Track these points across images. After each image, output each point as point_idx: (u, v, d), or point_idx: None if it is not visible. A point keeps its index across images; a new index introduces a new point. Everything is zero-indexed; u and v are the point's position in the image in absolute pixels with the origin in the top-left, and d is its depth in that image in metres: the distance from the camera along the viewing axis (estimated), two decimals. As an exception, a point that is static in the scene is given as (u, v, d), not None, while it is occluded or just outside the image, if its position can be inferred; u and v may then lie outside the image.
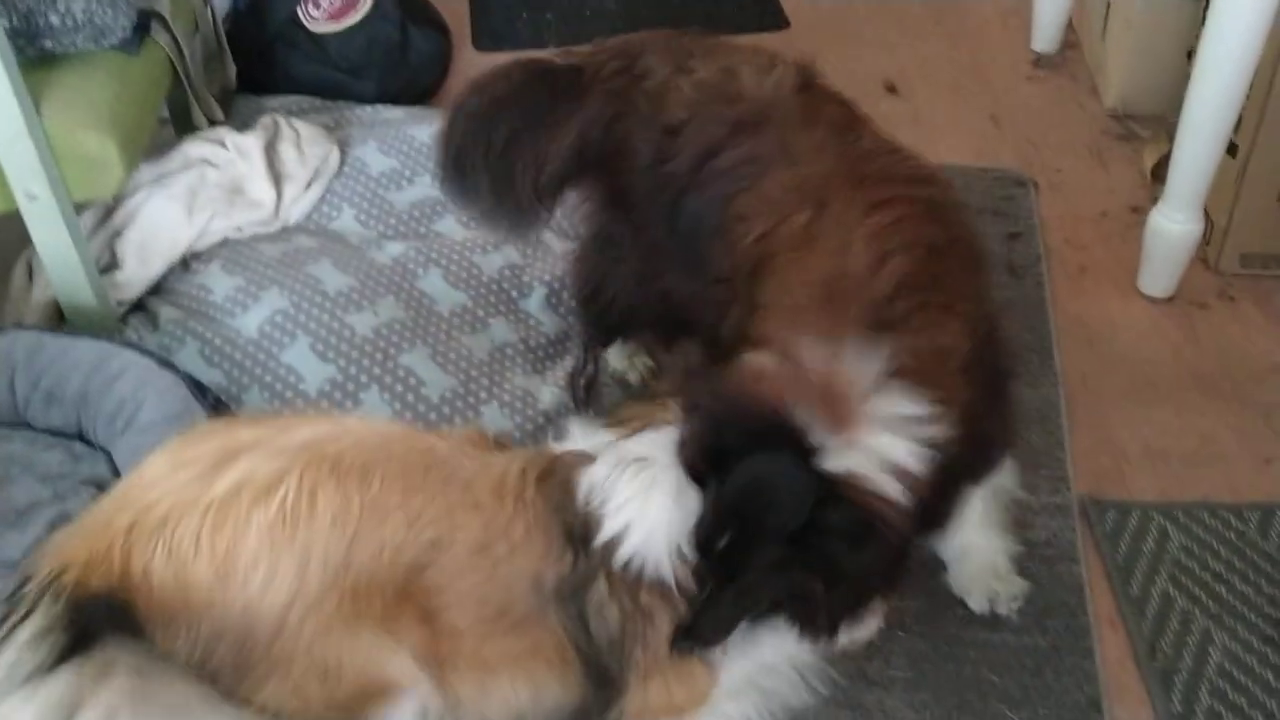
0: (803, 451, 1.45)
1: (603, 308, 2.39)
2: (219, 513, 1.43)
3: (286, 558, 1.43)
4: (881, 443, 1.47)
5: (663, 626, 1.58)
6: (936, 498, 1.62)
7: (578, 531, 1.55)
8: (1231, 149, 2.63)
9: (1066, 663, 2.04)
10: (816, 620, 1.57)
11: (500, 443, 1.66)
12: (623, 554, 1.54)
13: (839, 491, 1.45)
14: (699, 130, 1.99)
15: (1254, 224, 2.75)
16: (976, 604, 2.12)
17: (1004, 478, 2.09)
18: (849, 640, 1.76)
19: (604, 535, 1.54)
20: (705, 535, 1.49)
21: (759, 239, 1.83)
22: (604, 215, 2.25)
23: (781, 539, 1.46)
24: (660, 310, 2.22)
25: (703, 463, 1.49)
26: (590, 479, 1.56)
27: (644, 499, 1.54)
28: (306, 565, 1.43)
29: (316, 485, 1.46)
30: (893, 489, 1.48)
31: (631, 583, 1.56)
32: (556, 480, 1.58)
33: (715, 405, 1.50)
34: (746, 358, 1.60)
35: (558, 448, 1.64)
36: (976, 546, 2.10)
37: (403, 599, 1.50)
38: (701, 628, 1.52)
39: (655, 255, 2.12)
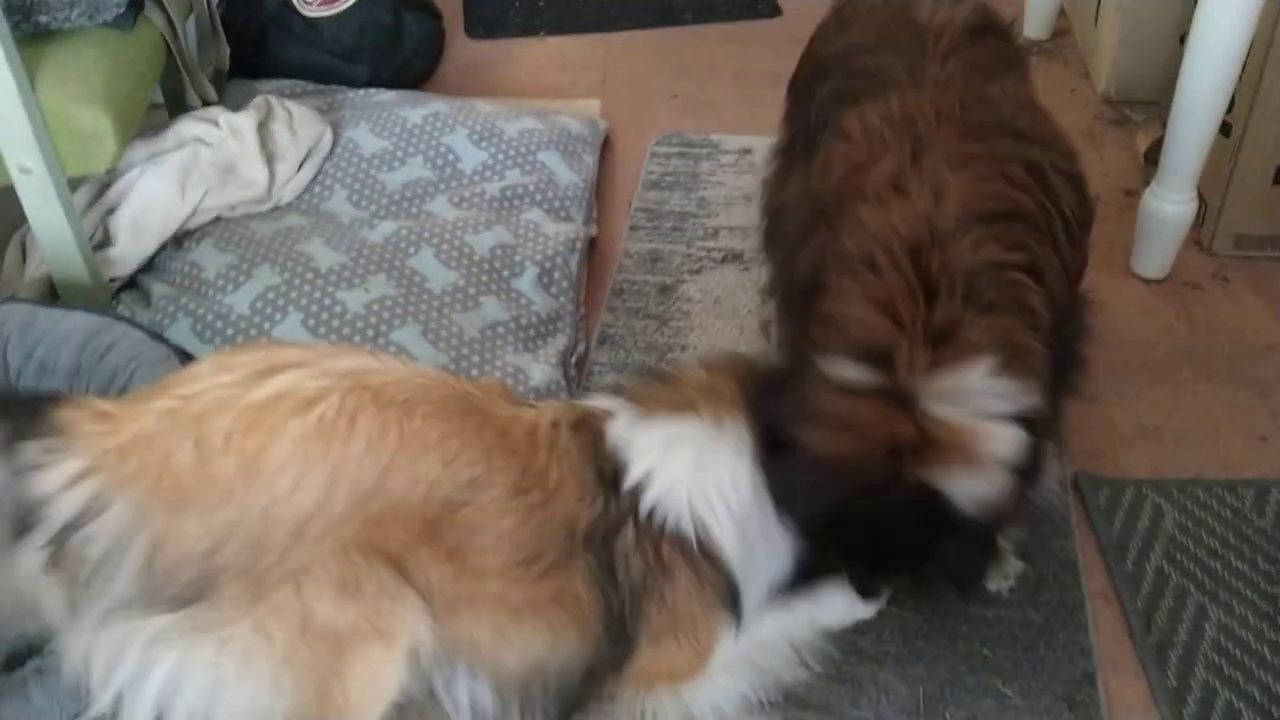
0: (912, 496, 1.55)
1: (766, 217, 2.38)
2: (256, 414, 1.42)
3: (316, 471, 1.42)
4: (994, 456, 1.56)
5: (681, 584, 1.61)
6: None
7: (609, 476, 1.58)
8: (1225, 129, 2.63)
9: (1060, 637, 2.04)
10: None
11: (520, 400, 1.67)
12: (647, 501, 1.58)
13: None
14: (857, 30, 2.05)
15: (1248, 205, 2.75)
16: (970, 579, 2.13)
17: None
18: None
19: (630, 480, 1.58)
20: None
21: (846, 175, 1.80)
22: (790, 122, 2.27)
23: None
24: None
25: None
26: (616, 428, 1.61)
27: (664, 449, 1.59)
28: (335, 483, 1.43)
29: (358, 409, 1.45)
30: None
31: (655, 534, 1.59)
32: (590, 429, 1.62)
33: (812, 469, 1.56)
34: (827, 371, 1.59)
35: (587, 402, 1.68)
36: None
37: (427, 535, 1.50)
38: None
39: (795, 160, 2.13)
